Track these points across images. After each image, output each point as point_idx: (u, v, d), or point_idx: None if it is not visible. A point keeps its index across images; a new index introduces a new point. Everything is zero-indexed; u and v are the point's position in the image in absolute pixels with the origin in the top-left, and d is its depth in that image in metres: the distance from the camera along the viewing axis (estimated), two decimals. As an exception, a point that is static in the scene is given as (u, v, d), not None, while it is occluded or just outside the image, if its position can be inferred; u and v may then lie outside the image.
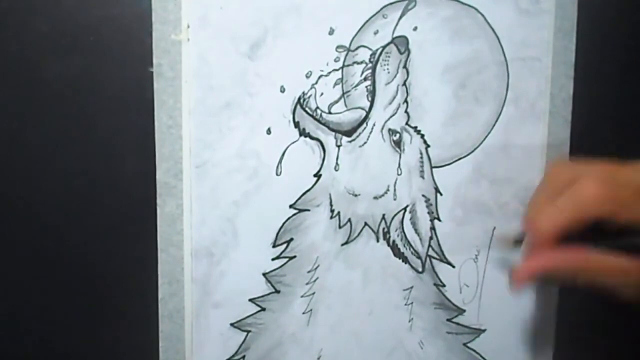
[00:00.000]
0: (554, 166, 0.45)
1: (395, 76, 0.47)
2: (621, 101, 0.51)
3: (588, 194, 0.41)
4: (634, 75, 0.51)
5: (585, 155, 0.50)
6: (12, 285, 0.45)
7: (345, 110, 0.47)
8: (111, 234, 0.46)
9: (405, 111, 0.48)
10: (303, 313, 0.48)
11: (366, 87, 0.47)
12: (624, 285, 0.41)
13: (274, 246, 0.47)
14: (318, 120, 0.47)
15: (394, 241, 0.49)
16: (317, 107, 0.47)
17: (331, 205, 0.48)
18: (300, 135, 0.47)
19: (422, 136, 0.48)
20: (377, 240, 0.49)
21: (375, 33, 0.47)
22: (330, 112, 0.47)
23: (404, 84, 0.48)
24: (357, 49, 0.47)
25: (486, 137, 0.49)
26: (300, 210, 0.47)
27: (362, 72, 0.47)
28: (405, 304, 0.49)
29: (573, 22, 0.49)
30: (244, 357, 0.48)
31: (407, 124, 0.48)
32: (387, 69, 0.47)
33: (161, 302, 0.46)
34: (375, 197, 0.48)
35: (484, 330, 0.50)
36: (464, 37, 0.48)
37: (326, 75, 0.46)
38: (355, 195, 0.48)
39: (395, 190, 0.48)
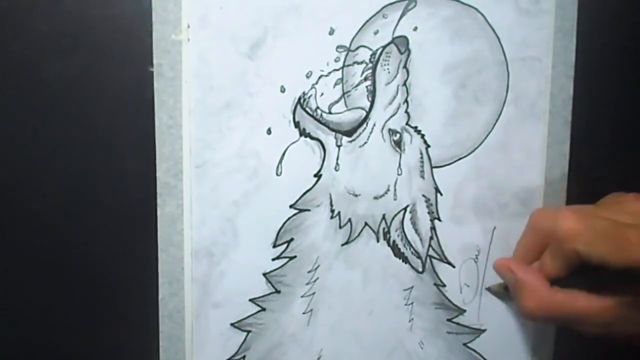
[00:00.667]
0: (535, 214, 0.47)
1: (395, 76, 0.47)
2: (621, 101, 0.51)
3: (566, 227, 0.42)
4: (634, 75, 0.51)
5: (585, 155, 0.50)
6: (12, 285, 0.45)
7: (345, 110, 0.47)
8: (111, 234, 0.46)
9: (406, 111, 0.48)
10: (303, 313, 0.48)
11: (366, 87, 0.47)
12: (588, 324, 0.43)
13: (274, 246, 0.47)
14: (318, 120, 0.47)
15: (394, 241, 0.49)
16: (318, 107, 0.47)
17: (331, 205, 0.48)
18: (301, 135, 0.47)
19: (423, 136, 0.48)
20: (378, 241, 0.49)
21: (376, 33, 0.47)
22: (330, 112, 0.47)
23: (404, 84, 0.48)
24: (357, 49, 0.47)
25: (486, 137, 0.49)
26: (301, 210, 0.47)
27: (363, 72, 0.47)
28: (406, 304, 0.49)
29: (573, 22, 0.49)
30: (244, 357, 0.48)
31: (407, 124, 0.48)
32: (388, 69, 0.47)
33: (161, 302, 0.46)
34: (375, 197, 0.48)
35: (484, 330, 0.50)
36: (464, 37, 0.48)
37: (326, 75, 0.46)
38: (356, 196, 0.48)
39: (395, 190, 0.48)
